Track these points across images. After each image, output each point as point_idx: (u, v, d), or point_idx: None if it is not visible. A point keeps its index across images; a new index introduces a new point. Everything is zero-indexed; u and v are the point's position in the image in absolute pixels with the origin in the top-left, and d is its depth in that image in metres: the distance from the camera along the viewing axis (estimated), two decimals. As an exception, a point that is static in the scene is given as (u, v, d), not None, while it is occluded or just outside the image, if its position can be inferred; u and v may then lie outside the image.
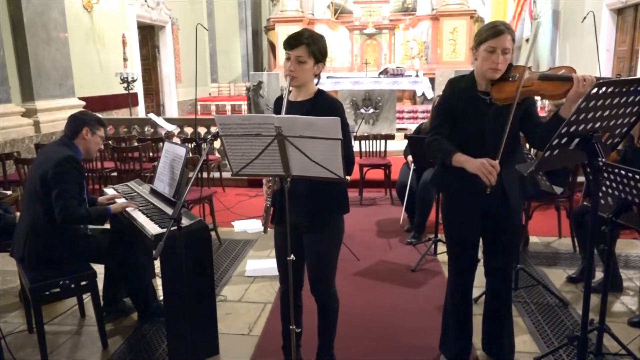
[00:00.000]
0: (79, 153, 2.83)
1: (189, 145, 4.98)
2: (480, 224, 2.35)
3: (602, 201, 2.50)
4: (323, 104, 2.16)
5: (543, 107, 10.86)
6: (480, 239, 2.43)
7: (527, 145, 5.46)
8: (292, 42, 2.12)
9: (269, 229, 2.24)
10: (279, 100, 2.23)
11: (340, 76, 11.10)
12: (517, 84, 2.09)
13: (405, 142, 4.71)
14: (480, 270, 2.48)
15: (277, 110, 2.27)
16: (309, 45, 2.10)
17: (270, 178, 2.11)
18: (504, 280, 2.46)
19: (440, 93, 2.45)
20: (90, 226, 2.98)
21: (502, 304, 2.49)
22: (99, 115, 3.11)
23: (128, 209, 2.91)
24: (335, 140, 1.75)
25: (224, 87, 14.36)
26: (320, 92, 2.22)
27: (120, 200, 3.06)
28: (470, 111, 2.22)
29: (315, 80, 2.24)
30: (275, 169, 1.94)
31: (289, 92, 2.20)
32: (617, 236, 3.23)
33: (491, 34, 2.10)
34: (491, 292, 2.51)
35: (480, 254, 2.46)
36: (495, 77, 2.14)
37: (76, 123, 2.86)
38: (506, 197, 2.24)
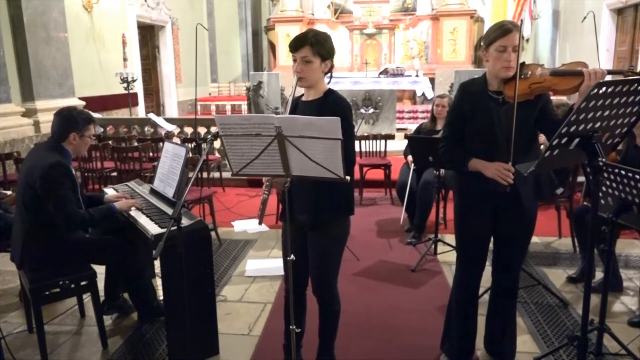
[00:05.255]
0: (68, 154, 2.78)
1: (189, 145, 4.99)
2: (491, 224, 2.35)
3: (602, 201, 2.50)
4: (330, 103, 2.17)
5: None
6: (492, 238, 2.43)
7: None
8: (296, 44, 2.14)
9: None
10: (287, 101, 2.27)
11: (340, 76, 11.09)
12: (529, 80, 2.10)
13: (405, 142, 4.70)
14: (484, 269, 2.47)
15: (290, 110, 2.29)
16: (312, 45, 2.11)
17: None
18: (512, 281, 2.45)
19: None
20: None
21: (507, 303, 2.48)
22: (99, 115, 3.07)
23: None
24: (335, 140, 1.75)
25: (224, 87, 14.35)
26: (329, 92, 2.23)
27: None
28: (481, 111, 2.22)
29: (327, 79, 2.25)
30: (275, 169, 1.94)
31: (298, 93, 2.22)
32: (617, 236, 3.24)
33: (500, 33, 2.11)
34: (497, 292, 2.50)
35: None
36: (508, 75, 2.14)
37: (64, 127, 2.74)
38: (519, 197, 2.23)
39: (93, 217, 2.73)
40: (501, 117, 2.18)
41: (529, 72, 2.13)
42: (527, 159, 2.19)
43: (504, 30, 2.11)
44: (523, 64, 2.15)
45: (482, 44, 2.23)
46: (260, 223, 2.12)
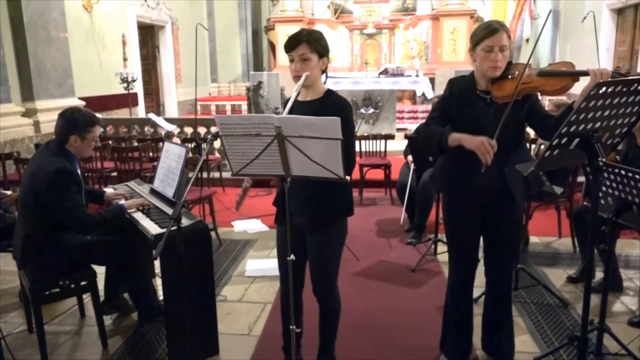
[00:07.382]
0: (72, 157, 2.77)
1: (189, 145, 4.99)
2: (480, 223, 2.36)
3: (602, 201, 2.50)
4: (332, 104, 2.16)
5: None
6: (481, 238, 2.44)
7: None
8: (292, 43, 2.13)
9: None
10: (287, 101, 2.25)
11: (340, 76, 11.08)
12: (517, 81, 2.10)
13: (405, 142, 4.71)
14: (480, 270, 2.48)
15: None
16: (309, 42, 2.11)
17: None
18: (504, 280, 2.46)
19: (441, 93, 2.47)
20: None
21: (502, 303, 2.49)
22: (99, 115, 3.04)
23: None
24: (335, 140, 1.75)
25: (224, 87, 14.36)
26: (329, 92, 2.22)
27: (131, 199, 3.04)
28: (469, 110, 2.22)
29: (324, 78, 2.25)
30: (275, 169, 1.94)
31: (298, 92, 2.20)
32: (617, 236, 3.23)
33: (487, 33, 2.11)
34: (491, 292, 2.51)
35: (480, 253, 2.46)
36: (495, 75, 2.15)
37: (64, 130, 2.72)
38: (509, 196, 2.23)
39: (105, 218, 2.74)
40: (490, 117, 2.17)
41: (517, 72, 2.13)
42: (515, 159, 2.20)
43: (490, 30, 2.11)
44: (510, 63, 2.15)
45: (469, 43, 2.23)
46: (237, 209, 2.11)
